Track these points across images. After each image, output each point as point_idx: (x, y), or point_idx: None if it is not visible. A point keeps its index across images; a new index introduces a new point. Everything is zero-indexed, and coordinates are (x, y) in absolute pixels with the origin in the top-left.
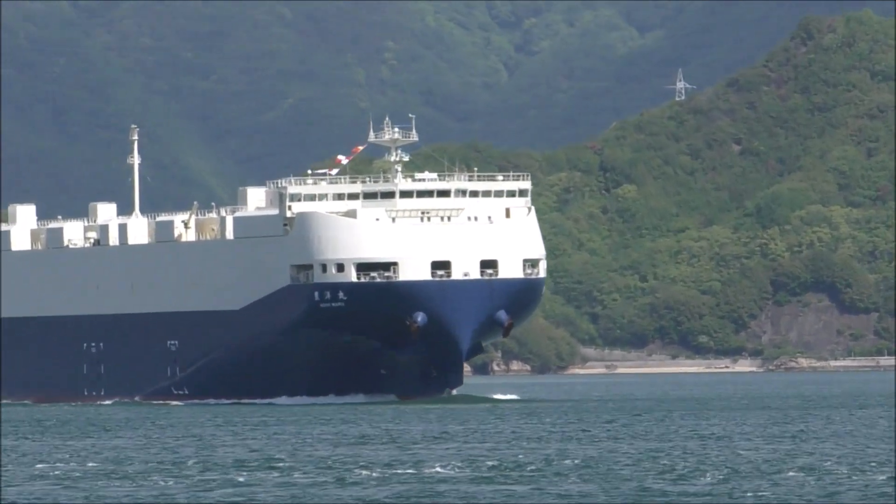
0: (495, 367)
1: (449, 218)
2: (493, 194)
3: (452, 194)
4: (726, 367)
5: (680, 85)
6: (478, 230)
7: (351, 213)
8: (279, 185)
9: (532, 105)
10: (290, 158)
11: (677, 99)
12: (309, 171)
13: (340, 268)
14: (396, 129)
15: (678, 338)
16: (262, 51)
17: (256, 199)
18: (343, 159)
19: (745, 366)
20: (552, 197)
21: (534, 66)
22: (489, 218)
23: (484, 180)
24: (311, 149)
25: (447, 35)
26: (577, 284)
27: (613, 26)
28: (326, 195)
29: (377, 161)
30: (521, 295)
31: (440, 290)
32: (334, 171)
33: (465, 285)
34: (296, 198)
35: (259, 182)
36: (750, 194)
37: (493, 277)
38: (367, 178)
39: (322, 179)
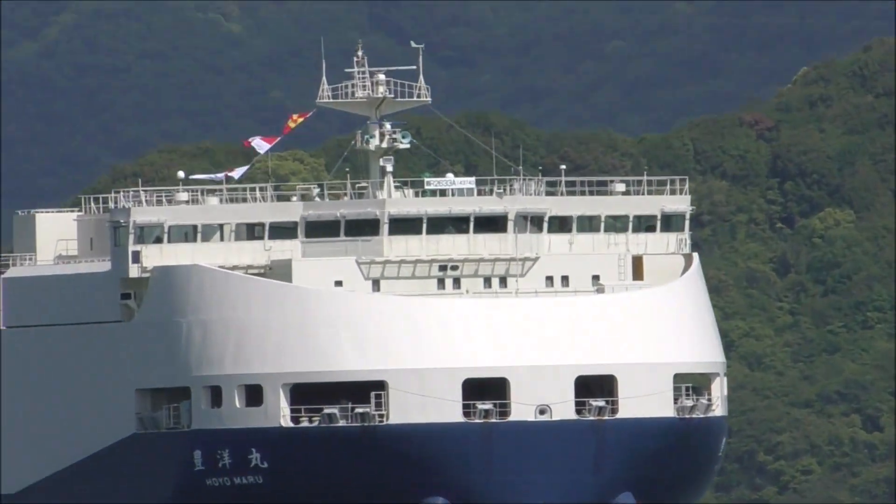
0: None
1: (503, 282)
2: (603, 224)
3: (513, 225)
4: None
5: None
6: (571, 315)
7: (280, 271)
8: (112, 206)
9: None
10: (143, 137)
11: None
12: (181, 175)
13: (254, 396)
14: (382, 77)
15: None
16: None
17: (51, 238)
18: (259, 143)
19: None
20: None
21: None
22: (596, 281)
23: (587, 193)
24: (204, 121)
25: None
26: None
27: None
28: (223, 228)
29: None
30: (671, 455)
31: (483, 446)
32: (237, 173)
33: (541, 435)
34: (149, 235)
35: (59, 199)
36: None
37: (607, 417)
38: (317, 192)
39: (214, 192)
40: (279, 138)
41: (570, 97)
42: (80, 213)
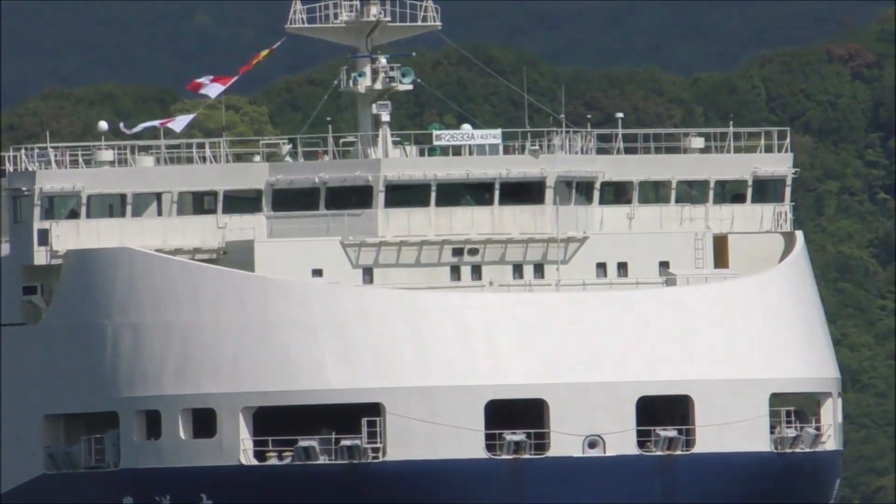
0: None
1: (539, 270)
2: (674, 193)
3: (552, 194)
4: None
5: None
6: (631, 315)
7: (239, 256)
8: (8, 168)
9: None
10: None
11: None
12: (103, 127)
13: (204, 424)
14: None
15: None
16: None
17: None
18: (209, 85)
19: None
20: None
21: None
22: (664, 269)
23: (651, 150)
24: (103, 57)
25: None
26: None
27: None
28: (161, 199)
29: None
30: (765, 502)
31: (513, 491)
32: (178, 124)
33: (591, 476)
34: (61, 207)
35: None
36: None
37: (679, 452)
38: (288, 149)
39: (148, 150)
40: (235, 78)
41: (597, 23)
42: None
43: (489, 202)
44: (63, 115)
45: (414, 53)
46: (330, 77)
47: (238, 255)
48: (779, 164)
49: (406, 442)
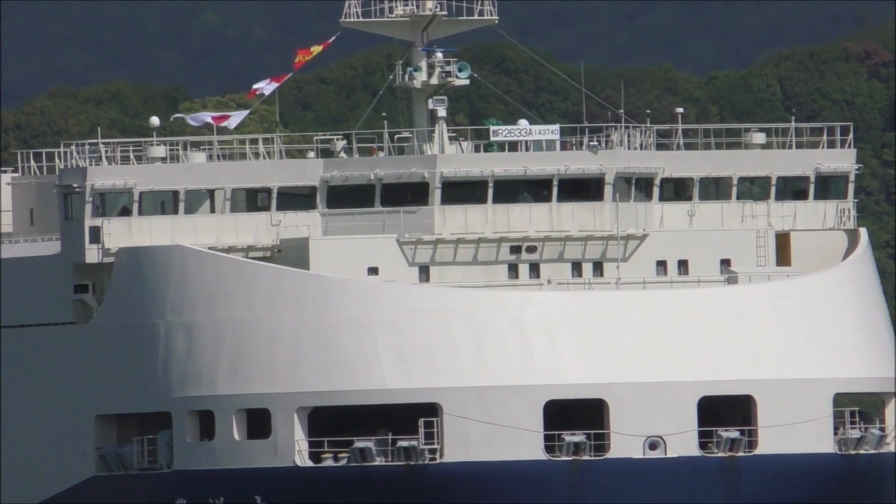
0: None
1: (598, 268)
2: (736, 189)
3: (612, 191)
4: None
5: None
6: (692, 313)
7: (294, 254)
8: (60, 165)
9: None
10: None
11: None
12: (155, 122)
13: (258, 424)
14: None
15: None
16: None
17: None
18: (267, 87)
19: None
20: None
21: None
22: (726, 267)
23: (711, 146)
24: (112, 55)
25: None
26: None
27: None
28: (214, 196)
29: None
30: (827, 498)
31: (572, 493)
32: (233, 120)
33: (652, 477)
34: (113, 204)
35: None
36: None
37: (742, 453)
38: (343, 145)
39: (200, 147)
40: (290, 75)
41: (611, 19)
42: (14, 175)
43: (547, 199)
44: (70, 114)
45: (458, 49)
46: (340, 76)
47: (293, 253)
48: (842, 160)
49: (464, 443)
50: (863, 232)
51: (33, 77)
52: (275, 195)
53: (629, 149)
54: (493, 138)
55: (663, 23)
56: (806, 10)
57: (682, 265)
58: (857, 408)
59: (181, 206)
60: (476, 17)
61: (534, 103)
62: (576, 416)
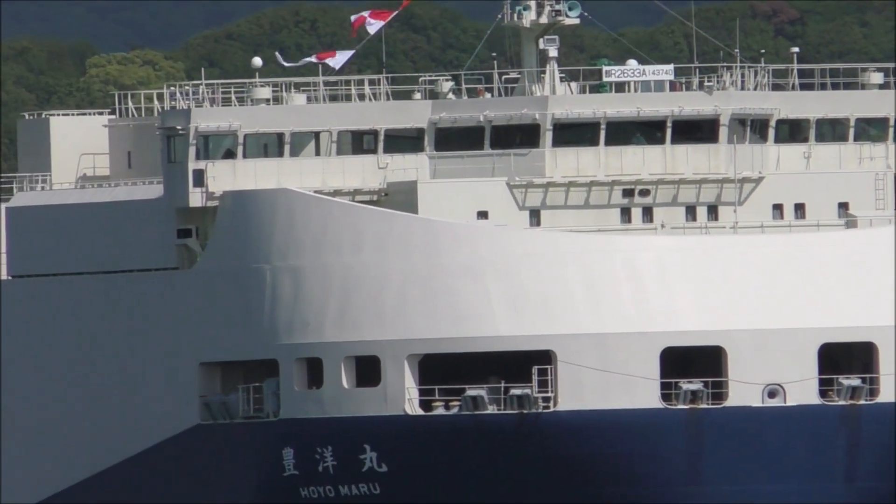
0: None
1: (713, 212)
2: (853, 131)
3: (727, 132)
4: None
5: None
6: (811, 258)
7: (401, 197)
8: (162, 106)
9: None
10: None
11: None
12: (257, 63)
13: (367, 372)
14: None
15: None
16: None
17: (73, 151)
18: (371, 23)
19: None
20: None
21: None
22: (844, 211)
23: (827, 86)
24: (19, 9)
25: None
26: None
27: None
28: (320, 138)
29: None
30: None
31: (690, 442)
32: (338, 60)
33: (771, 426)
34: (217, 147)
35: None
36: None
37: (863, 401)
38: (450, 87)
39: (303, 88)
40: (396, 12)
41: None
42: (112, 117)
43: (660, 141)
44: None
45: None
46: (246, 32)
47: (400, 197)
48: None
49: (578, 391)
50: None
51: None
52: (381, 137)
53: (743, 89)
54: (605, 79)
55: None
56: None
57: (799, 209)
58: None
59: (286, 148)
60: None
61: (441, 59)
62: (693, 363)
